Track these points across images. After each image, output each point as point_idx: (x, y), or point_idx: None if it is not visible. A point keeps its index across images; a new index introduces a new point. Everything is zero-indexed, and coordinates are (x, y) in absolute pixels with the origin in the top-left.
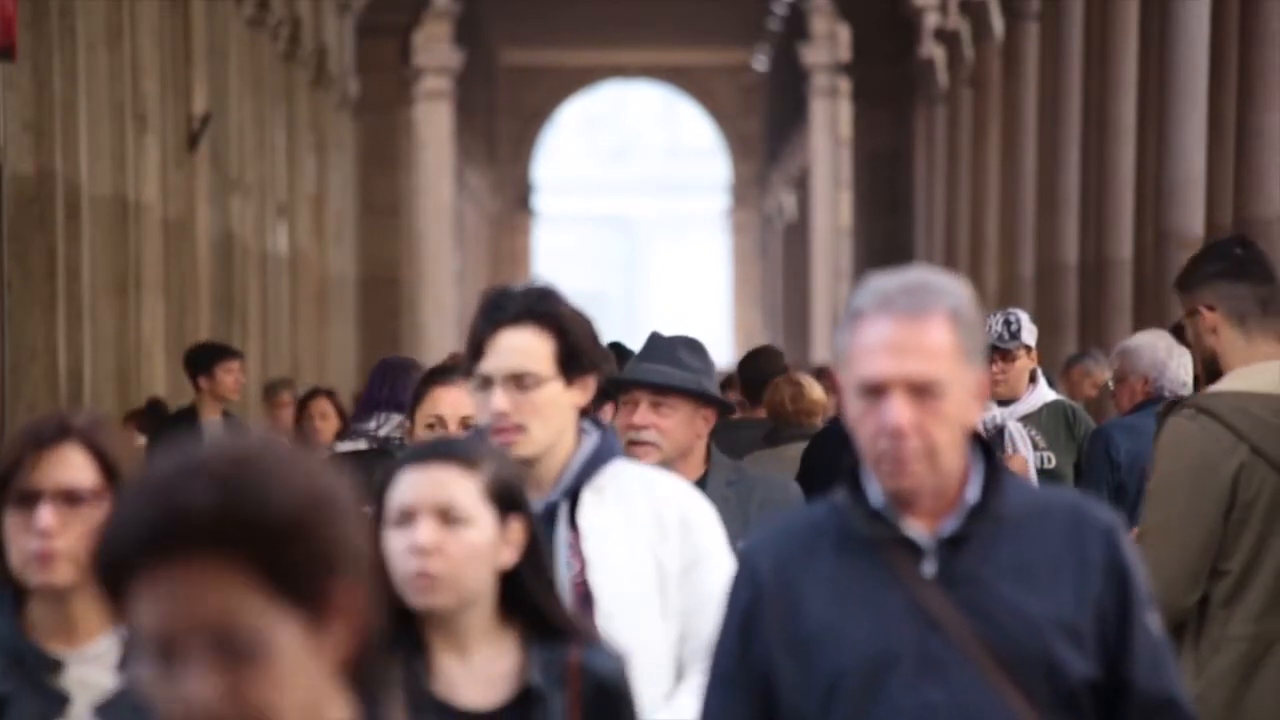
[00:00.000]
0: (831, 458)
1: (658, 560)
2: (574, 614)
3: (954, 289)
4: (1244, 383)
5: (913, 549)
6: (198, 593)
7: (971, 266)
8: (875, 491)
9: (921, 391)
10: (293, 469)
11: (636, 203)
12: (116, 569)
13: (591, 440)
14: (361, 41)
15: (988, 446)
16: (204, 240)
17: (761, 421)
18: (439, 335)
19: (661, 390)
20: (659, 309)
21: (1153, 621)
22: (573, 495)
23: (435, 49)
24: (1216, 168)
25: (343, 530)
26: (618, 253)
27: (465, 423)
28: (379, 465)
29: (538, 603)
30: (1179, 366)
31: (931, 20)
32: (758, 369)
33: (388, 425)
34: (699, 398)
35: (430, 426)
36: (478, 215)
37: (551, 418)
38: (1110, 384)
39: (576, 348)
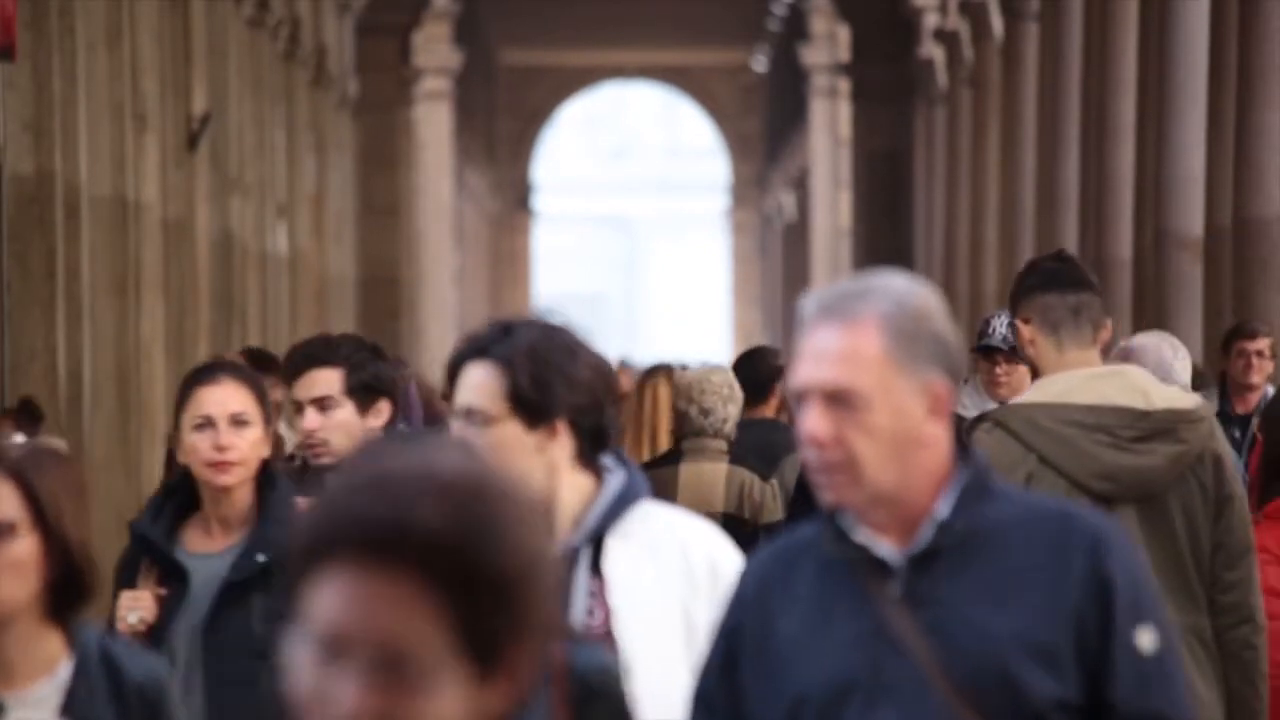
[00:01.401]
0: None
1: (686, 612)
2: (561, 611)
3: (896, 294)
4: (1039, 394)
5: (883, 568)
6: (387, 606)
7: (971, 266)
8: (849, 512)
9: (838, 401)
10: (522, 519)
11: (636, 203)
12: (317, 547)
13: (616, 481)
14: (361, 41)
15: (975, 460)
16: (204, 240)
17: (761, 421)
18: (439, 335)
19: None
20: (658, 309)
21: (1144, 637)
22: (596, 540)
23: (435, 49)
24: (1216, 167)
25: (544, 597)
26: (617, 253)
27: (235, 419)
28: None
29: None
30: (1183, 369)
31: (931, 20)
32: (755, 369)
33: None
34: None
35: (199, 428)
36: (477, 215)
37: (507, 459)
38: None
39: (530, 389)
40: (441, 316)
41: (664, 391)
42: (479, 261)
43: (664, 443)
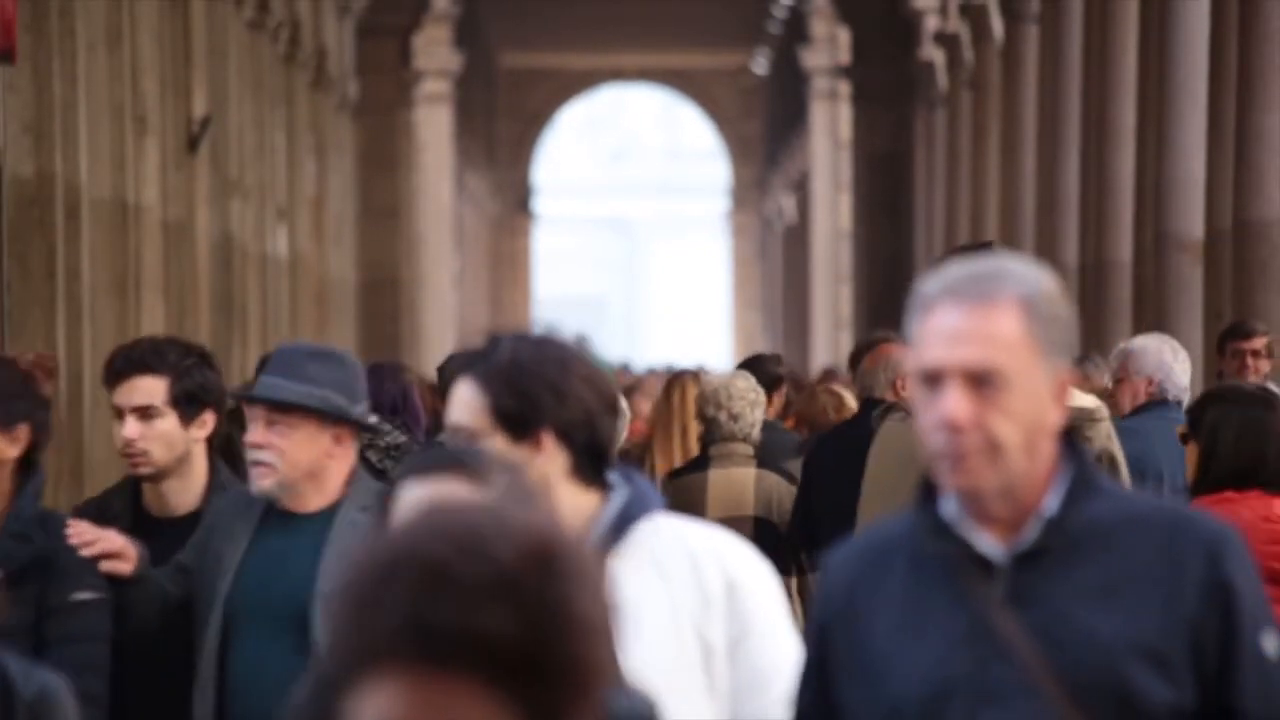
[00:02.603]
0: (832, 466)
1: (700, 634)
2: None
3: (1030, 277)
4: None
5: (985, 566)
6: (449, 711)
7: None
8: (948, 504)
9: (981, 382)
10: (588, 584)
11: (636, 205)
12: (369, 650)
13: (620, 496)
14: (361, 44)
15: (1080, 454)
16: (204, 242)
17: (769, 424)
18: (439, 337)
19: (277, 407)
20: (659, 312)
21: (1268, 642)
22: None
23: (435, 51)
24: (1216, 169)
25: (605, 655)
26: (617, 255)
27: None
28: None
29: None
30: (1183, 371)
31: (931, 23)
32: (757, 375)
33: None
34: (322, 414)
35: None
36: (477, 217)
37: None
38: (1109, 384)
39: (512, 404)
40: (442, 319)
41: (692, 393)
42: (479, 264)
43: (695, 443)
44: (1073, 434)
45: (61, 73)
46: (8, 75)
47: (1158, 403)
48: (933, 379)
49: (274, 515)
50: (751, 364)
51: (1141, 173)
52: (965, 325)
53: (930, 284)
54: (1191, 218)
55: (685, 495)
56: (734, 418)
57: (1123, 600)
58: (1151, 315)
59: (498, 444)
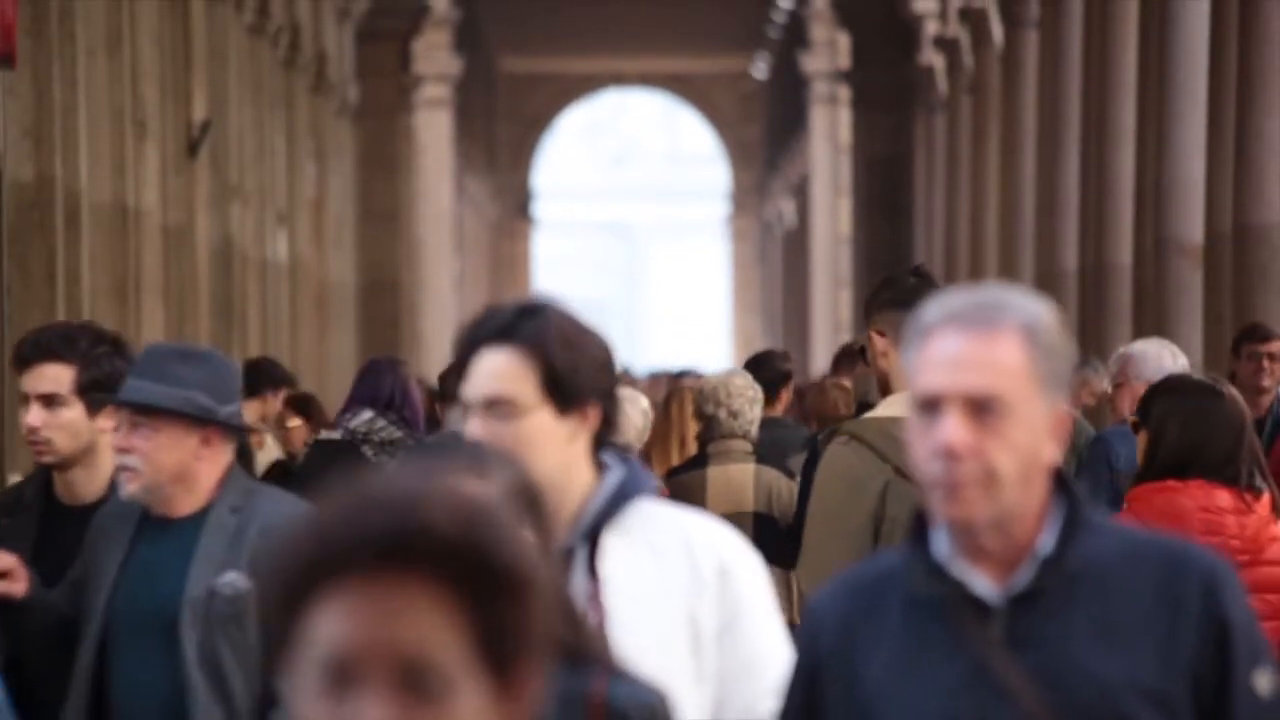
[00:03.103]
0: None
1: (692, 617)
2: (602, 638)
3: (1032, 308)
4: (892, 409)
5: (980, 607)
6: (404, 613)
7: (971, 273)
8: (940, 542)
9: (981, 409)
10: (523, 536)
11: (636, 210)
12: (320, 567)
13: (615, 475)
14: (361, 48)
15: (1072, 491)
16: (204, 246)
17: (771, 420)
18: (439, 341)
19: (141, 410)
20: (658, 316)
21: (1262, 681)
22: (592, 538)
23: (435, 56)
24: (1216, 173)
25: (550, 613)
26: (617, 260)
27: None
28: (343, 455)
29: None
30: None
31: (931, 27)
32: (765, 371)
33: (356, 419)
34: (188, 417)
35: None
36: (477, 222)
37: (541, 451)
38: (1109, 388)
39: (565, 372)
40: (441, 323)
41: (690, 397)
42: (479, 268)
43: (693, 449)
44: (1063, 470)
45: (61, 77)
46: (8, 79)
47: None
48: (931, 405)
49: (148, 522)
50: (759, 360)
51: (1141, 176)
52: (967, 352)
53: (930, 311)
54: (1191, 221)
55: (684, 493)
56: (733, 415)
57: (1122, 640)
58: (1151, 319)
59: (543, 418)
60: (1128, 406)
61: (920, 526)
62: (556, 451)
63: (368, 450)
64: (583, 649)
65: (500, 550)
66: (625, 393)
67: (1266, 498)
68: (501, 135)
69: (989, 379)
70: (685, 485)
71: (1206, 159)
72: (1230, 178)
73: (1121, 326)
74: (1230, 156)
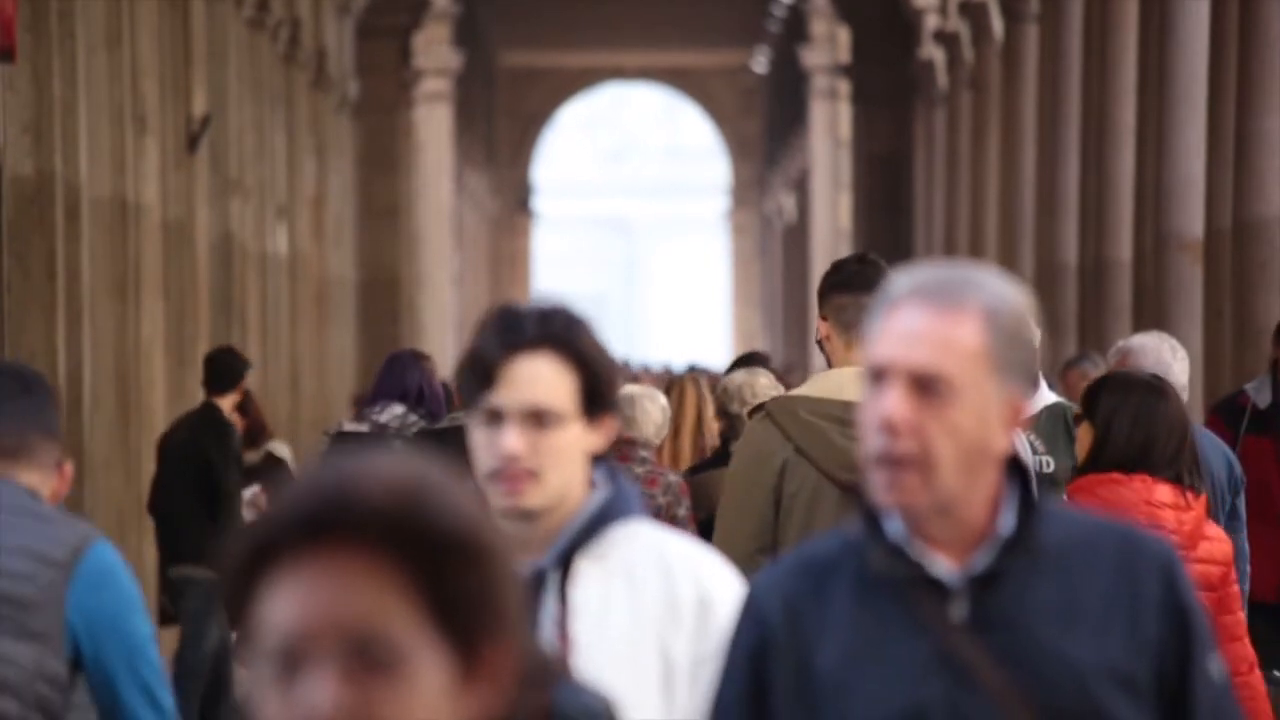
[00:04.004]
0: None
1: (664, 650)
2: (548, 649)
3: (1000, 290)
4: (810, 388)
5: (939, 589)
6: (346, 587)
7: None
8: (894, 523)
9: (925, 387)
10: (470, 506)
11: (636, 204)
12: (261, 553)
13: (599, 496)
14: (361, 43)
15: (1025, 474)
16: (203, 242)
17: None
18: (438, 337)
19: None
20: (658, 311)
21: (1214, 666)
22: (565, 561)
23: (435, 51)
24: (1216, 170)
25: (509, 589)
26: (617, 254)
27: None
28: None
29: None
30: (1182, 370)
31: (931, 22)
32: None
33: (387, 413)
34: None
35: None
36: (477, 217)
37: (568, 464)
38: None
39: (601, 383)
40: (441, 318)
41: (692, 397)
42: (479, 263)
43: (687, 446)
44: (1016, 457)
45: (61, 72)
46: (8, 75)
47: None
48: (878, 376)
49: None
50: (745, 362)
51: (1141, 172)
52: (922, 327)
53: (898, 282)
54: (1191, 217)
55: (705, 491)
56: None
57: (1086, 623)
58: (1151, 315)
59: (577, 430)
60: None
61: (870, 506)
62: (577, 464)
63: (399, 445)
64: (531, 660)
65: (440, 515)
66: (644, 389)
67: (1204, 498)
68: (501, 130)
69: (937, 357)
70: (705, 483)
71: (1206, 154)
72: (1230, 173)
73: (1121, 322)
74: (1230, 152)
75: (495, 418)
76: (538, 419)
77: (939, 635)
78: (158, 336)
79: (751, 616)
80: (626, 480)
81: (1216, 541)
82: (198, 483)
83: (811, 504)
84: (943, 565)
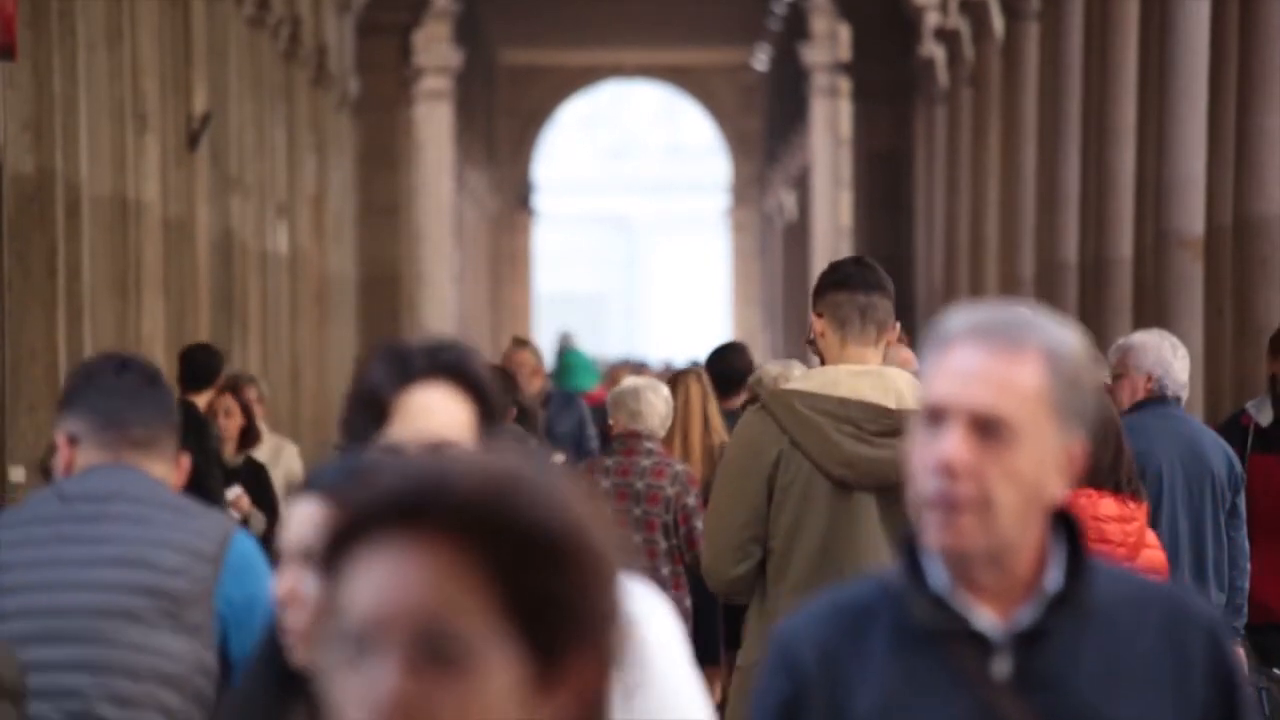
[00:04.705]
0: None
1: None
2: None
3: (1059, 334)
4: (806, 383)
5: (982, 643)
6: (426, 576)
7: (971, 266)
8: (937, 571)
9: (986, 430)
10: (569, 506)
11: (636, 202)
12: (349, 532)
13: None
14: (361, 41)
15: (1075, 530)
16: (204, 240)
17: (734, 413)
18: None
19: None
20: (659, 309)
21: None
22: None
23: (435, 48)
24: (1216, 168)
25: (605, 596)
26: (617, 252)
27: None
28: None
29: None
30: (1182, 367)
31: (932, 20)
32: (729, 364)
33: None
34: None
35: None
36: (477, 215)
37: None
38: (1108, 380)
39: (494, 412)
40: (442, 316)
41: (697, 393)
42: (479, 261)
43: (696, 443)
44: (1065, 509)
45: (62, 70)
46: (8, 72)
47: (1157, 399)
48: (936, 417)
49: None
50: (724, 352)
51: (1142, 169)
52: (983, 367)
53: (953, 320)
54: (1192, 215)
55: None
56: None
57: (1133, 684)
58: (1152, 312)
59: None
60: (1127, 398)
61: (911, 552)
62: None
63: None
64: None
65: (531, 512)
66: (647, 381)
67: (1145, 505)
68: (501, 127)
69: (999, 399)
70: None
71: (1207, 152)
72: (1231, 171)
73: (1122, 320)
74: (1230, 149)
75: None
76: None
77: (981, 693)
78: (158, 334)
79: (783, 665)
80: None
81: (1156, 550)
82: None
83: (804, 496)
84: (987, 619)
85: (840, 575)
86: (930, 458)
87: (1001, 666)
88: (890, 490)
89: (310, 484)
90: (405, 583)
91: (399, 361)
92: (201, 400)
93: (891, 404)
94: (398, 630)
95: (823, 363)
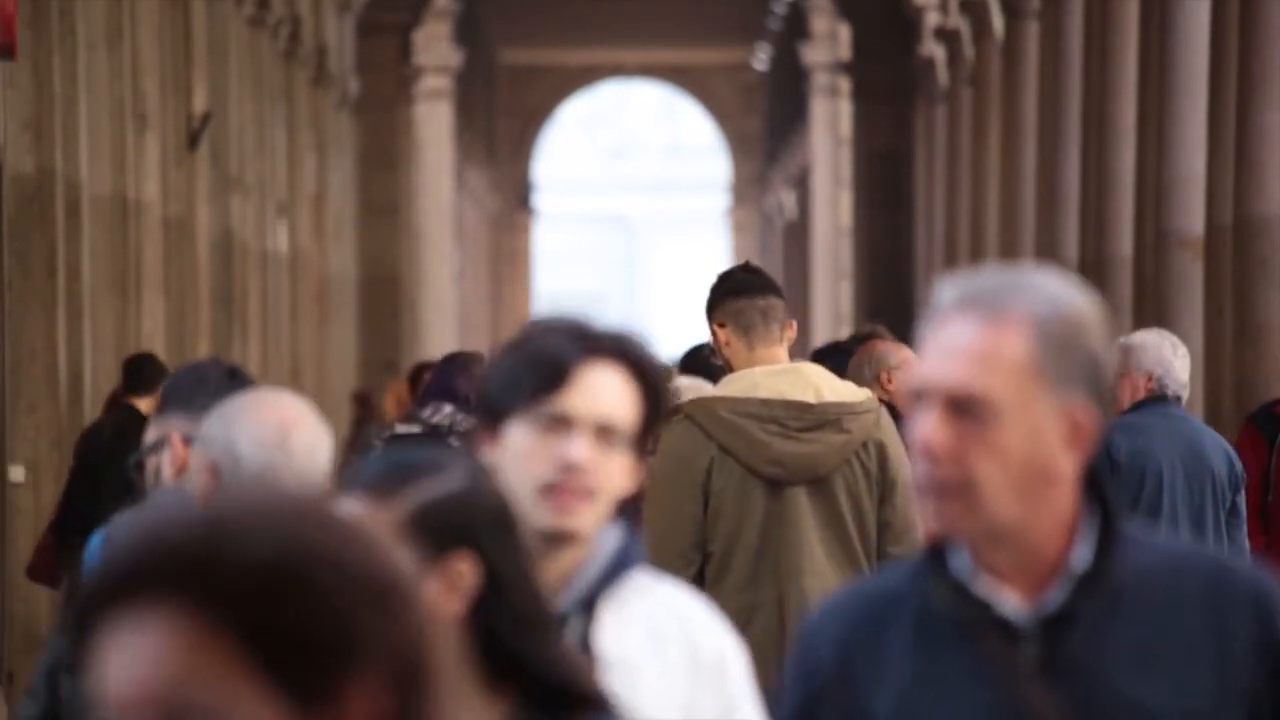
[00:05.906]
0: None
1: (688, 707)
2: (582, 671)
3: (1054, 295)
4: (725, 389)
5: (1007, 630)
6: (155, 651)
7: (972, 265)
8: (959, 556)
9: (964, 409)
10: (291, 530)
11: (636, 202)
12: (84, 622)
13: (612, 538)
14: (362, 40)
15: (1107, 500)
16: (204, 239)
17: None
18: (439, 334)
19: None
20: (659, 308)
21: None
22: (588, 607)
23: (435, 48)
24: (1216, 167)
25: (379, 618)
26: (618, 252)
27: None
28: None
29: (524, 658)
30: (1182, 366)
31: (932, 19)
32: (699, 364)
33: (439, 414)
34: None
35: None
36: (478, 214)
37: (614, 494)
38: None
39: (660, 410)
40: (442, 315)
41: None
42: (479, 260)
43: None
44: (1098, 477)
45: (62, 69)
46: (8, 72)
47: (1157, 399)
48: (918, 398)
49: None
50: (694, 353)
51: (1142, 169)
52: (962, 342)
53: (944, 291)
54: (1192, 214)
55: None
56: None
57: (1168, 665)
58: (1152, 312)
59: (629, 458)
60: (1127, 398)
61: (936, 541)
62: (616, 497)
63: (454, 442)
64: (562, 685)
65: (237, 552)
66: None
67: None
68: (502, 127)
69: (976, 375)
70: None
71: (1207, 151)
72: (1231, 170)
73: (1122, 319)
74: (1231, 149)
75: (560, 424)
76: (608, 436)
77: (1006, 681)
78: (158, 334)
79: (802, 665)
80: (628, 525)
81: None
82: (128, 489)
83: (740, 499)
84: (1011, 604)
85: (778, 570)
86: (914, 441)
87: (1027, 653)
88: (820, 483)
89: (350, 482)
90: (138, 663)
91: (583, 335)
92: (144, 405)
93: (811, 399)
94: (149, 715)
95: (730, 371)
